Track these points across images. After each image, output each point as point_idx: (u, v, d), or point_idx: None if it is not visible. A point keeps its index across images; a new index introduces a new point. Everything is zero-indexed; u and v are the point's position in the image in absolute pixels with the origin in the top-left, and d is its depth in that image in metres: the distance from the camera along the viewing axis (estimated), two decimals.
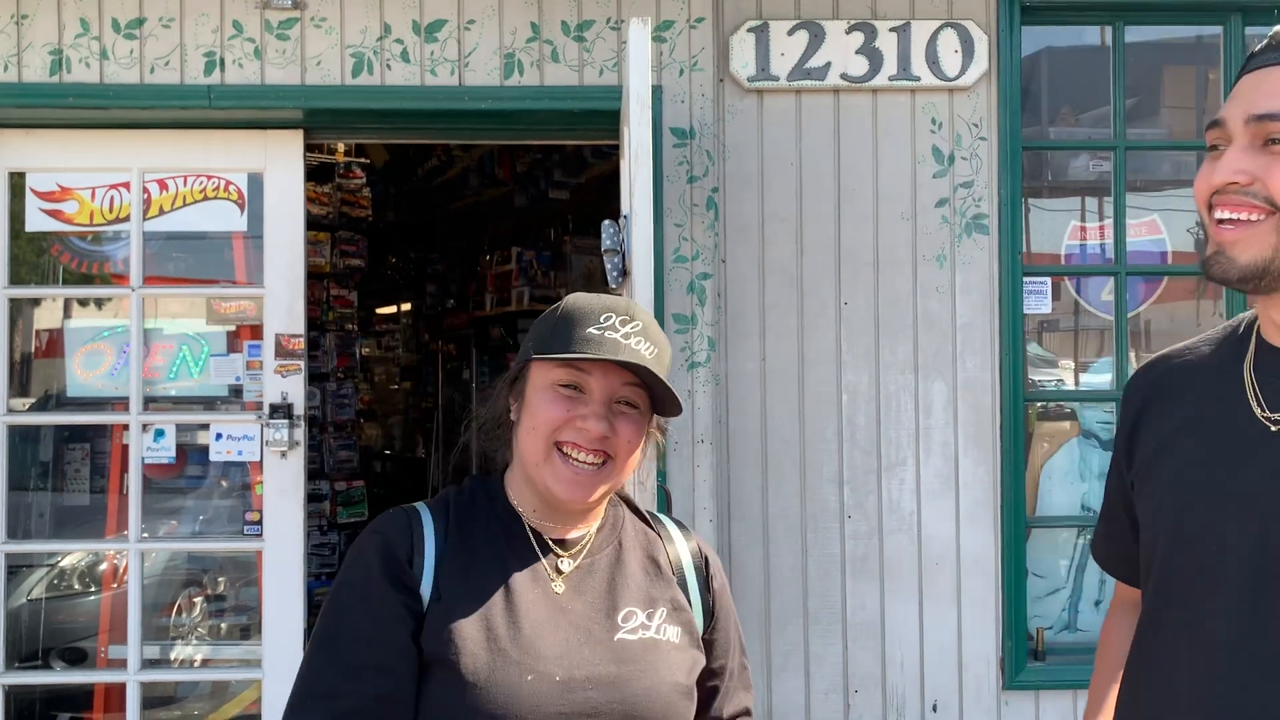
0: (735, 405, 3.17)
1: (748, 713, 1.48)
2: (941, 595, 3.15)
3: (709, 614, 1.43)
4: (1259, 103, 1.11)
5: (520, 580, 1.31)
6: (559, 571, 1.34)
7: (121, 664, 3.31)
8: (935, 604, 3.14)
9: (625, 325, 1.32)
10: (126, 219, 3.32)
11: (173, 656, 4.04)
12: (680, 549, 1.45)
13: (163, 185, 3.37)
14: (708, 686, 1.42)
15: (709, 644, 1.42)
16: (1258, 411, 1.17)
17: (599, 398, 1.32)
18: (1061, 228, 3.54)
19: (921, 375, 3.17)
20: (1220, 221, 1.13)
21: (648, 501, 2.43)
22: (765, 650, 3.13)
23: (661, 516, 1.50)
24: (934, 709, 3.15)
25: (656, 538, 1.44)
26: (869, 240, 3.18)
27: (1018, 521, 3.16)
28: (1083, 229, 3.57)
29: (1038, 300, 3.29)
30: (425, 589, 1.29)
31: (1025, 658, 3.16)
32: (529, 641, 1.26)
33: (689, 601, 1.40)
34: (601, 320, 1.32)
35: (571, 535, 1.38)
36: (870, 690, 3.14)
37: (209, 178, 3.37)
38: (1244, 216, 1.11)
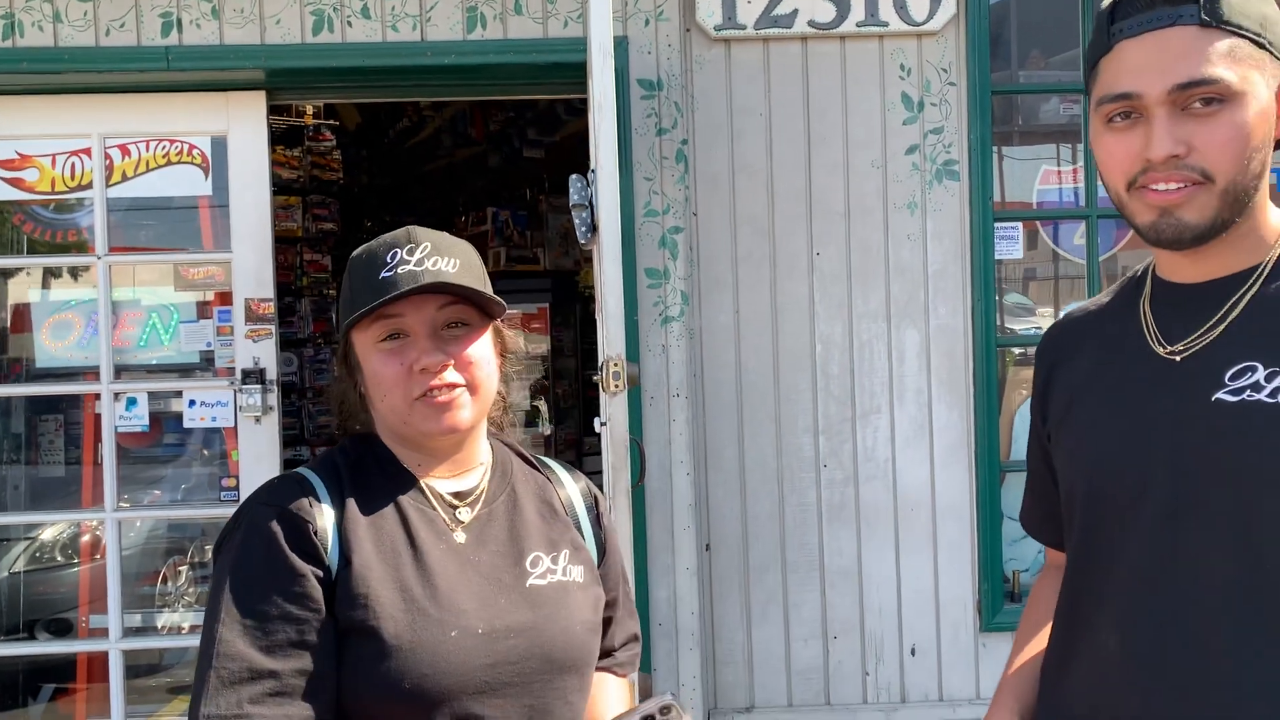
0: (710, 358, 3.16)
1: (636, 638, 1.50)
2: (917, 540, 3.17)
3: (601, 550, 1.45)
4: (1176, 71, 1.10)
5: (424, 536, 1.28)
6: (459, 522, 1.32)
7: (103, 633, 3.31)
8: (911, 549, 3.17)
9: (414, 253, 1.28)
10: (89, 186, 3.28)
11: (159, 624, 4.05)
12: (570, 490, 1.45)
13: (125, 151, 3.31)
14: (603, 619, 1.43)
15: (601, 579, 1.42)
16: (1156, 347, 1.19)
17: (422, 332, 1.28)
18: (1032, 173, 3.54)
19: (894, 323, 3.17)
20: (1155, 191, 1.13)
21: (619, 455, 2.43)
22: (744, 599, 3.16)
23: (547, 460, 1.49)
24: (912, 652, 3.19)
25: (546, 481, 1.44)
26: (840, 189, 3.16)
27: (992, 466, 3.18)
28: (1057, 174, 3.56)
29: (1009, 246, 3.29)
30: (332, 557, 1.23)
31: (1001, 600, 3.19)
32: (446, 597, 1.24)
33: (584, 539, 1.42)
34: (389, 259, 1.28)
35: (465, 485, 1.36)
36: (849, 636, 3.17)
37: (171, 142, 3.32)
38: (1183, 186, 1.11)
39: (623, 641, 1.48)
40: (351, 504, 1.28)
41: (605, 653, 1.44)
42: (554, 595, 1.30)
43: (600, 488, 1.57)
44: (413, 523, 1.29)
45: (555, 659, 1.27)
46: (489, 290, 1.31)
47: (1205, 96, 1.09)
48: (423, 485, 1.33)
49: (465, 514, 1.33)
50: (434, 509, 1.31)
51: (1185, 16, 1.10)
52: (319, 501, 1.26)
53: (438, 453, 1.34)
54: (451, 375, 1.28)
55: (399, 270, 1.26)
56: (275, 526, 1.23)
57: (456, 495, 1.34)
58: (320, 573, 1.22)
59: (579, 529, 1.42)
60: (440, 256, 1.29)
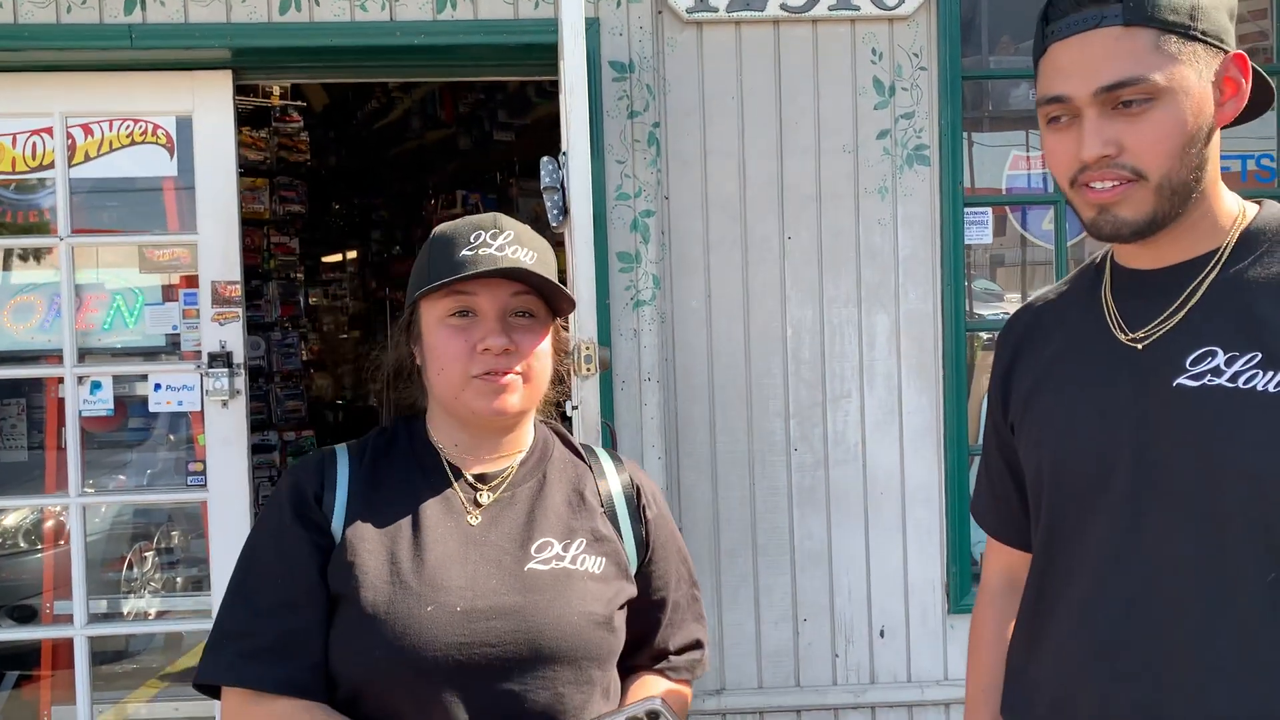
0: (681, 342, 3.16)
1: (698, 644, 1.48)
2: (887, 524, 3.20)
3: (643, 545, 1.41)
4: (1102, 72, 1.12)
5: (432, 514, 1.30)
6: (477, 504, 1.33)
7: (68, 619, 3.27)
8: (881, 533, 3.20)
9: (497, 238, 1.32)
10: (51, 166, 3.22)
11: (125, 610, 4.02)
12: (611, 481, 1.43)
13: (87, 130, 3.26)
14: (650, 619, 1.42)
15: (646, 576, 1.41)
16: (1118, 334, 1.22)
17: (491, 314, 1.31)
18: (1002, 158, 3.55)
19: (864, 308, 3.18)
20: (1092, 189, 1.15)
21: (591, 439, 2.43)
22: (715, 583, 3.17)
23: (596, 449, 1.49)
24: (881, 634, 3.21)
25: (587, 470, 1.43)
26: (811, 173, 3.17)
27: (960, 450, 3.20)
28: (1026, 160, 3.58)
29: (979, 231, 3.31)
30: (335, 526, 1.29)
31: (969, 582, 3.23)
32: (432, 573, 1.25)
33: (619, 533, 1.39)
34: (473, 240, 1.31)
35: (493, 469, 1.36)
36: (819, 618, 3.19)
37: (135, 121, 3.27)
38: (1117, 184, 1.14)
39: (681, 645, 1.45)
40: (366, 477, 1.33)
41: (659, 655, 1.43)
42: (552, 582, 1.28)
43: None
44: (425, 501, 1.31)
45: (543, 647, 1.25)
46: (563, 297, 1.35)
47: (1133, 96, 1.11)
48: (448, 467, 1.35)
49: (486, 497, 1.34)
50: (454, 490, 1.34)
51: (1110, 17, 1.12)
52: (335, 473, 1.32)
53: (481, 434, 1.36)
54: (511, 361, 1.31)
55: (480, 251, 1.30)
56: (286, 496, 1.31)
57: (481, 478, 1.35)
58: (321, 540, 1.28)
59: (614, 521, 1.39)
60: (521, 246, 1.32)
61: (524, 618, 1.25)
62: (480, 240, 1.31)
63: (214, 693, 1.29)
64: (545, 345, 1.36)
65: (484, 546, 1.29)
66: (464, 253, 1.30)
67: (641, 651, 1.42)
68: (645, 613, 1.41)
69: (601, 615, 1.30)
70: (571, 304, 1.36)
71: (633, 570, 1.39)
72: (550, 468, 1.40)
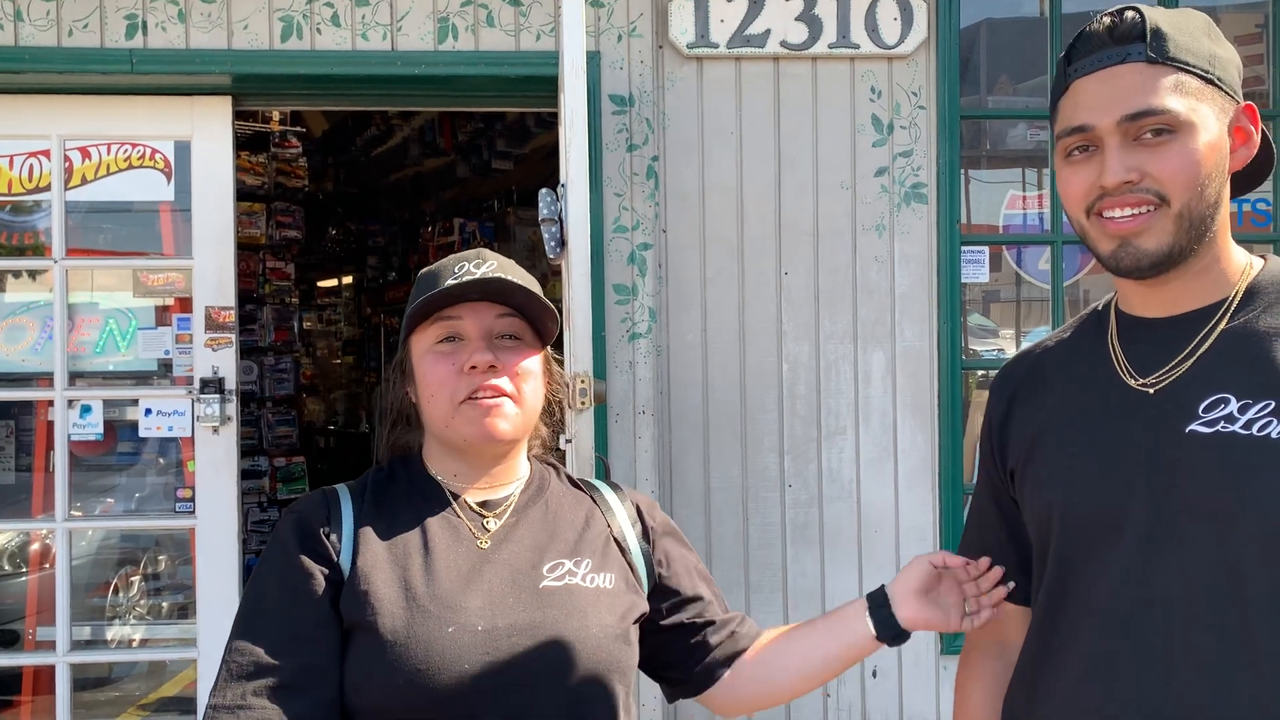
0: (677, 376, 3.15)
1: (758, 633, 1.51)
2: (881, 562, 3.17)
3: (652, 560, 1.44)
4: (1126, 103, 1.14)
5: (440, 540, 1.31)
6: (485, 530, 1.34)
7: (50, 646, 3.23)
8: (874, 571, 3.17)
9: (481, 266, 1.34)
10: (47, 188, 3.21)
11: (108, 637, 3.97)
12: (614, 506, 1.46)
13: (85, 153, 3.25)
14: (698, 623, 1.45)
15: (664, 589, 1.43)
16: (1127, 380, 1.21)
17: (475, 335, 1.34)
18: (999, 197, 3.57)
19: (861, 345, 3.18)
20: (1113, 219, 1.16)
21: (585, 472, 2.41)
22: None
23: (594, 481, 1.51)
24: (874, 674, 3.18)
25: (586, 496, 1.46)
26: (809, 210, 3.17)
27: (955, 488, 3.19)
28: (1023, 199, 3.60)
29: (975, 269, 3.31)
30: (344, 559, 1.29)
31: None
32: (449, 595, 1.26)
33: (626, 552, 1.41)
34: (456, 270, 1.34)
35: (495, 496, 1.38)
36: None
37: (134, 146, 3.27)
38: (1140, 211, 1.15)
39: (732, 623, 1.48)
40: (370, 511, 1.33)
41: (727, 637, 1.46)
42: (567, 597, 1.30)
43: None
44: (432, 528, 1.32)
45: (564, 660, 1.26)
46: (546, 313, 1.36)
47: (1155, 126, 1.14)
48: (450, 496, 1.36)
49: (493, 523, 1.35)
50: (459, 517, 1.35)
51: (1133, 54, 1.16)
52: (339, 509, 1.33)
53: (476, 463, 1.37)
54: (499, 380, 1.32)
55: (464, 278, 1.32)
56: (291, 532, 1.30)
57: (484, 505, 1.37)
58: (330, 573, 1.28)
59: (620, 544, 1.42)
60: (505, 274, 1.34)
61: (544, 632, 1.26)
62: (464, 270, 1.34)
63: None
64: (534, 367, 1.37)
65: (497, 567, 1.31)
66: (449, 281, 1.32)
67: (709, 651, 1.45)
68: (691, 619, 1.44)
69: (618, 628, 1.32)
70: (556, 323, 1.38)
71: (646, 588, 1.41)
72: (551, 497, 1.42)
